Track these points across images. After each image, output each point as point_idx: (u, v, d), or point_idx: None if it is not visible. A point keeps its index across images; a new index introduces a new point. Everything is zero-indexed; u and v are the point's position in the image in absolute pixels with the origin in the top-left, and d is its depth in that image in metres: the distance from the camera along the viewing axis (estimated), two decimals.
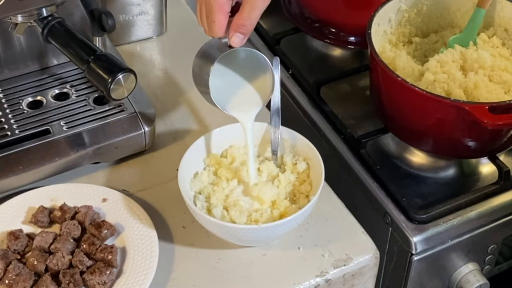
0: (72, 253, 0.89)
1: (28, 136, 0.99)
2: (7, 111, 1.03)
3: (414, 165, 1.11)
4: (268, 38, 1.31)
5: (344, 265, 0.92)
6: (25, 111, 1.03)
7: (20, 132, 1.00)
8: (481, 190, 1.05)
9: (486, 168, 1.10)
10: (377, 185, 1.06)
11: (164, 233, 0.95)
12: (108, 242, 0.92)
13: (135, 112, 1.04)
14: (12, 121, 1.01)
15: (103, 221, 0.93)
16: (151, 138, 1.05)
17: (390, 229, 1.03)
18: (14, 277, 0.86)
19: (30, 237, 0.92)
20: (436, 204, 1.02)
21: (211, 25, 0.85)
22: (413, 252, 1.00)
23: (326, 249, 0.94)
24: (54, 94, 1.06)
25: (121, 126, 1.02)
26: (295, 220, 0.89)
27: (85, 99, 1.06)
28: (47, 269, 0.88)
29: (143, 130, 1.03)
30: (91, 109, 1.04)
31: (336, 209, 1.00)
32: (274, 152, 0.98)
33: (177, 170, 0.93)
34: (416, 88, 0.98)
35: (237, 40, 0.84)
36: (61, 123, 1.02)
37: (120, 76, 0.90)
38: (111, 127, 1.02)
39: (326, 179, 0.94)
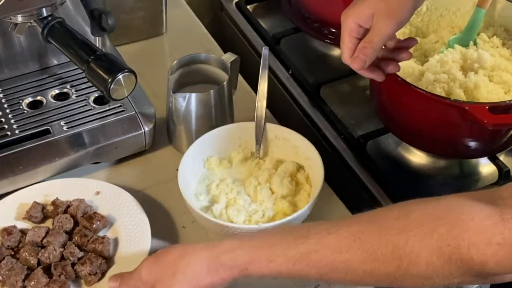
0: (64, 246, 0.90)
1: (28, 136, 0.99)
2: (7, 111, 1.03)
3: (414, 165, 1.11)
4: (268, 38, 1.31)
5: None
6: (25, 111, 1.03)
7: (20, 132, 1.00)
8: (481, 190, 1.05)
9: (486, 168, 1.10)
10: (377, 185, 1.05)
11: (164, 233, 0.95)
12: (101, 233, 0.92)
13: (135, 112, 1.04)
14: (12, 121, 1.01)
15: (95, 213, 0.94)
16: (151, 138, 1.05)
17: None
18: (6, 272, 0.86)
19: (24, 233, 0.93)
20: None
21: (341, 48, 0.89)
22: None
23: None
24: (54, 94, 1.06)
25: (121, 126, 1.02)
26: (295, 220, 0.88)
27: (85, 99, 1.06)
28: (39, 263, 0.89)
29: (143, 130, 1.03)
30: (91, 109, 1.04)
31: (336, 209, 1.00)
32: (258, 142, 0.98)
33: (177, 170, 0.93)
34: (416, 88, 0.98)
35: (356, 64, 0.87)
36: (61, 123, 1.02)
37: (120, 76, 0.90)
38: (111, 127, 1.02)
39: (326, 179, 0.94)
